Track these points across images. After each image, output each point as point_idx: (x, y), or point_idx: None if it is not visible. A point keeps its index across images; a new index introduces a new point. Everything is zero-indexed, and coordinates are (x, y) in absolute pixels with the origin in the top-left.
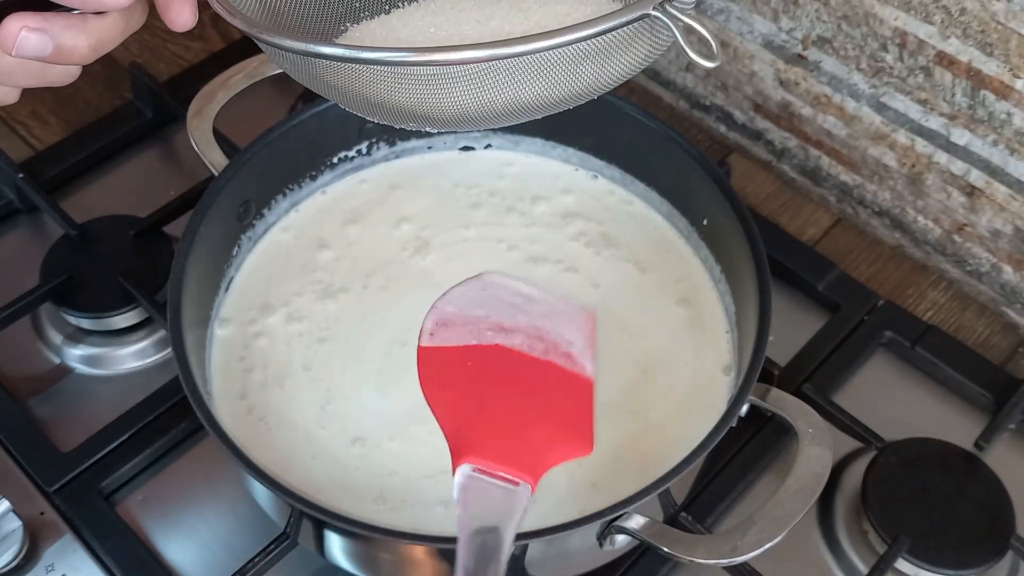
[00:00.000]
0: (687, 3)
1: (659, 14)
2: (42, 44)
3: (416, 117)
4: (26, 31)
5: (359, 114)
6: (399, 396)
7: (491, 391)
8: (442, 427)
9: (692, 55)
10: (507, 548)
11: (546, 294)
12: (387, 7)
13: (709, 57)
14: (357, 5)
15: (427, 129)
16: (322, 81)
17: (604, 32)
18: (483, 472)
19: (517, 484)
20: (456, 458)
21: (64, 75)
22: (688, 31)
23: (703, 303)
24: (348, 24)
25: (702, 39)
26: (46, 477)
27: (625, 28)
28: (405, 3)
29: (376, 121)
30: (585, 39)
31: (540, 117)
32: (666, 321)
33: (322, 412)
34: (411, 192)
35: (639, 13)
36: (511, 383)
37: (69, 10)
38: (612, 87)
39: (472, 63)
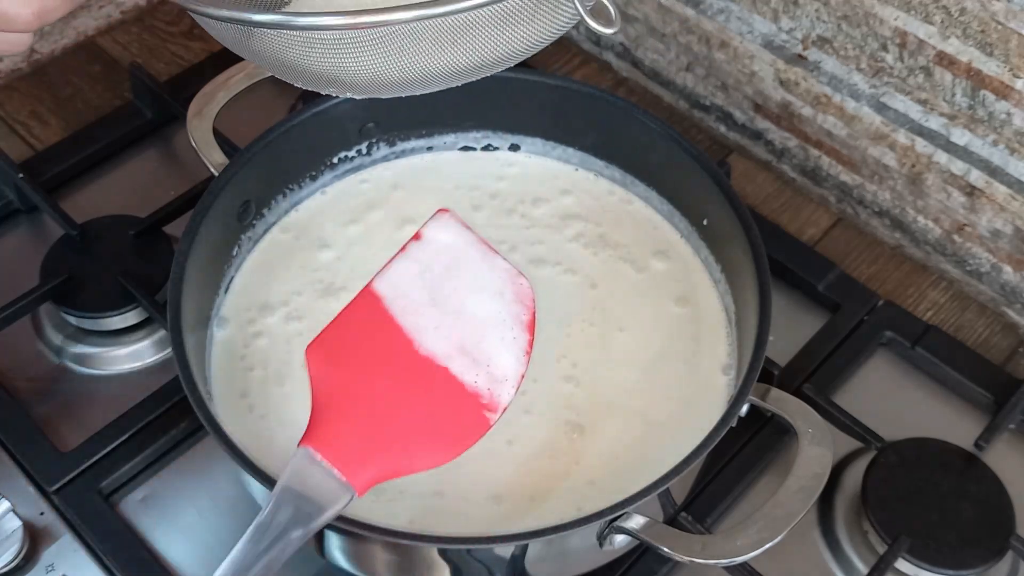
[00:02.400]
0: None
1: None
2: None
3: (332, 82)
4: None
5: (285, 79)
6: None
7: (381, 384)
8: (313, 398)
9: (589, 21)
10: (312, 528)
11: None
12: None
13: (607, 23)
14: None
15: (347, 95)
16: (244, 46)
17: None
18: (322, 459)
19: (346, 483)
20: (305, 439)
21: (15, 43)
22: None
23: (703, 303)
24: None
25: (602, 4)
26: (46, 477)
27: None
28: None
29: (301, 87)
30: (478, 7)
31: (457, 85)
32: (666, 321)
33: None
34: (412, 192)
35: None
36: (405, 384)
37: None
38: (522, 58)
39: (365, 28)
